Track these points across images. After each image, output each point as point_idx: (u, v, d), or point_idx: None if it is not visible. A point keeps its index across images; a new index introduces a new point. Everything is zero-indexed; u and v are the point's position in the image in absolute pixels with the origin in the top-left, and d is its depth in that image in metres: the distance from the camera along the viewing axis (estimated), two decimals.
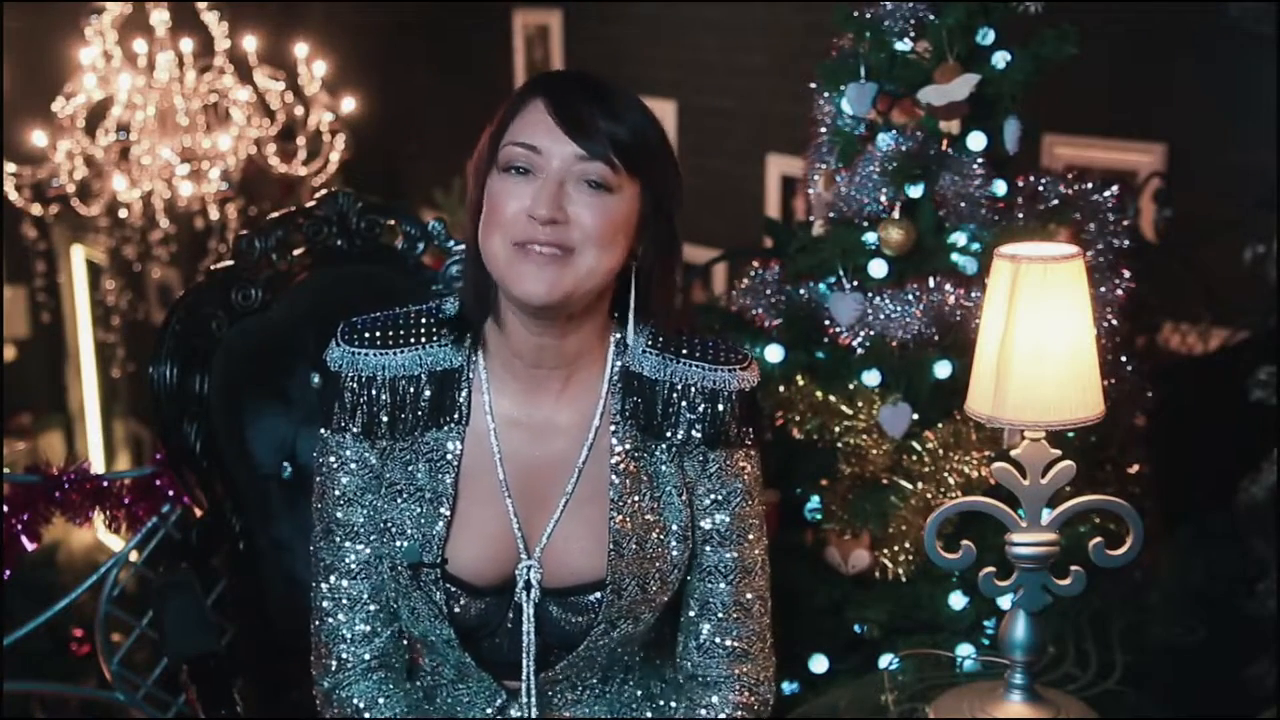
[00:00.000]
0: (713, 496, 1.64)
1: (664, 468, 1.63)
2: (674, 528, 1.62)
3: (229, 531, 1.96)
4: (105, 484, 2.28)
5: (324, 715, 1.69)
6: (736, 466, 1.65)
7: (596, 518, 1.60)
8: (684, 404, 1.60)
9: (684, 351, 1.61)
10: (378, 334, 1.59)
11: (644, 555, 1.59)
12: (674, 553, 1.62)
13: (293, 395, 1.98)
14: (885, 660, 1.97)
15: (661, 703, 1.73)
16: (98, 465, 3.55)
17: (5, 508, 2.22)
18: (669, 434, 1.61)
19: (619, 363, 1.62)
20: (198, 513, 1.99)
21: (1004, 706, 1.62)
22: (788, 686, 2.26)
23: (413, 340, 1.59)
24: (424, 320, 1.61)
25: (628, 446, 1.61)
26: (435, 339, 1.60)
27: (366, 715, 1.64)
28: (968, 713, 1.63)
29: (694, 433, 1.61)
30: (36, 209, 4.97)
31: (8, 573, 2.24)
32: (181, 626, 1.89)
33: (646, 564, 1.60)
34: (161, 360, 1.90)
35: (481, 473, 1.60)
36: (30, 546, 2.23)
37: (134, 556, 2.34)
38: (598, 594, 1.59)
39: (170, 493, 2.27)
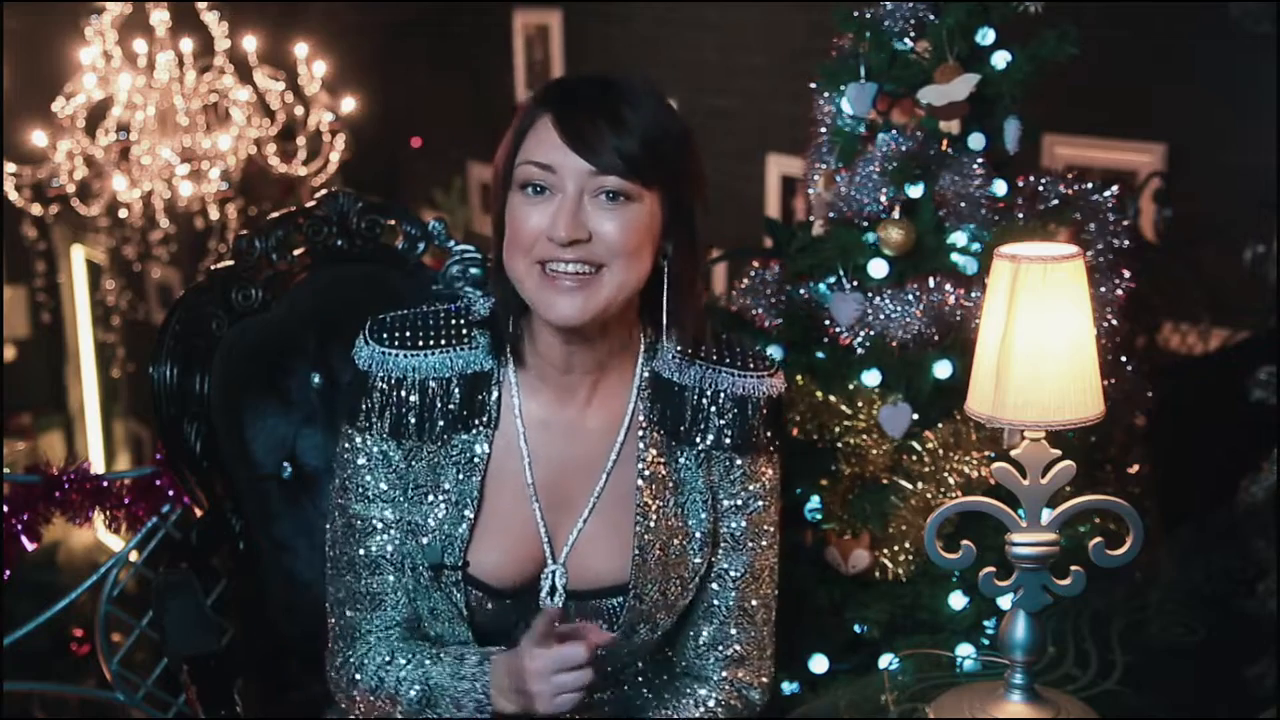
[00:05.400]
0: (733, 501, 1.64)
1: (690, 473, 1.62)
2: (697, 534, 1.62)
3: (229, 531, 1.96)
4: (105, 484, 2.28)
5: (336, 698, 1.68)
6: (760, 473, 1.65)
7: (622, 522, 1.59)
8: (713, 409, 1.60)
9: (714, 357, 1.61)
10: (408, 334, 1.58)
11: (667, 561, 1.59)
12: (695, 559, 1.62)
13: (293, 395, 1.98)
14: (885, 660, 1.96)
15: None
16: (98, 465, 3.55)
17: (5, 508, 2.21)
18: (697, 440, 1.61)
19: (648, 368, 1.61)
20: (198, 513, 1.99)
21: (1004, 706, 1.62)
22: (788, 686, 2.26)
23: (444, 342, 1.58)
24: (454, 321, 1.59)
25: (655, 452, 1.60)
26: (466, 341, 1.58)
27: (379, 684, 1.60)
28: (968, 713, 1.63)
29: (724, 439, 1.61)
30: (36, 209, 4.97)
31: (8, 573, 2.24)
32: (181, 626, 1.89)
33: (669, 569, 1.59)
34: (161, 360, 1.90)
35: (509, 475, 1.59)
36: (30, 546, 2.23)
37: (134, 556, 2.34)
38: (619, 598, 1.59)
39: (170, 493, 2.27)
